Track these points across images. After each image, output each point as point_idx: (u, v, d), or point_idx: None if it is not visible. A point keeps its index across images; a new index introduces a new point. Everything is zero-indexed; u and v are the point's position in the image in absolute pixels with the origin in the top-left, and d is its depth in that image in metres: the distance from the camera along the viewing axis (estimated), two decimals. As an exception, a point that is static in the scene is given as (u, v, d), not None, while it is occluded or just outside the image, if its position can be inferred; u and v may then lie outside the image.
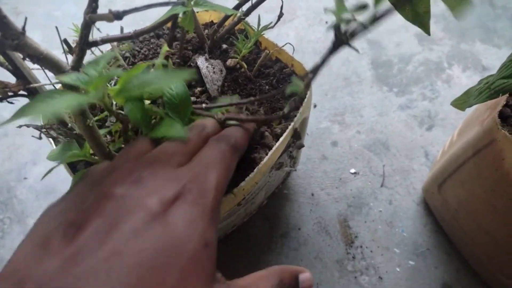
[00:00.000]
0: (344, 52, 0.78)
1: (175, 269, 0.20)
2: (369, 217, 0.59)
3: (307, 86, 0.34)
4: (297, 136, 0.40)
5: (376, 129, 0.68)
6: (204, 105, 0.36)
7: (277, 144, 0.37)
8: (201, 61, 0.41)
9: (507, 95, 0.44)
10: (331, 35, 0.31)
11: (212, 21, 0.49)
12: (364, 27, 0.30)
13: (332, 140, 0.67)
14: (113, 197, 0.22)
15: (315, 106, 0.71)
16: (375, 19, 0.31)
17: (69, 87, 0.24)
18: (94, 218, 0.21)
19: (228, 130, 0.31)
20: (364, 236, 0.58)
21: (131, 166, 0.25)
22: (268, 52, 0.43)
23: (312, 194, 0.61)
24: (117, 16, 0.23)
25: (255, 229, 0.58)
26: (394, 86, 0.74)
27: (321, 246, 0.57)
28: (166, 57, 0.39)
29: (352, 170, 0.64)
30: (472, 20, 0.85)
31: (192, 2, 0.23)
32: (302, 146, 0.48)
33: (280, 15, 0.42)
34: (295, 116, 0.38)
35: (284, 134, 0.37)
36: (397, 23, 0.82)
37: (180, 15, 0.27)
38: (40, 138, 0.39)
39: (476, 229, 0.49)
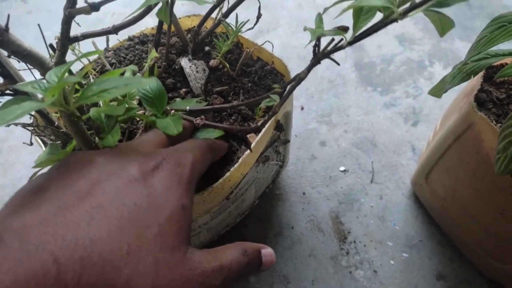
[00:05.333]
0: (328, 56, 0.80)
1: (154, 224, 0.21)
2: (361, 212, 0.60)
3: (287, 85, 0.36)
4: (280, 128, 0.41)
5: (362, 128, 0.70)
6: (187, 107, 0.37)
7: (260, 135, 0.38)
8: (184, 62, 0.43)
9: (481, 80, 0.46)
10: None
11: (194, 26, 0.51)
12: (342, 47, 0.32)
13: (321, 140, 0.68)
14: (95, 162, 0.23)
15: (302, 108, 0.73)
16: (355, 40, 0.33)
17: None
18: (77, 179, 0.22)
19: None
20: (357, 231, 0.58)
21: (113, 147, 0.27)
22: (248, 50, 0.44)
23: (304, 193, 0.62)
24: (94, 7, 0.24)
25: (248, 230, 0.58)
26: (378, 86, 0.76)
27: (314, 243, 0.57)
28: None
29: (342, 168, 0.65)
30: (451, 21, 0.87)
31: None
32: (288, 141, 0.49)
33: (259, 15, 0.44)
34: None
35: (266, 125, 0.38)
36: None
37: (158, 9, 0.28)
38: (31, 143, 0.40)
39: (463, 216, 0.50)
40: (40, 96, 0.26)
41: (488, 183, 0.43)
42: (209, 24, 0.46)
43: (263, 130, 0.38)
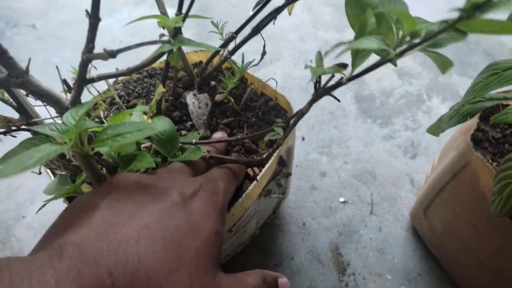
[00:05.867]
0: (329, 88, 0.82)
1: (191, 247, 0.24)
2: (360, 244, 0.61)
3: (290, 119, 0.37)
4: (282, 163, 0.43)
5: (362, 159, 0.71)
6: (194, 140, 0.38)
7: (263, 170, 0.39)
8: (189, 98, 0.44)
9: (477, 120, 0.47)
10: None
11: (201, 61, 0.53)
12: (342, 83, 0.34)
13: (321, 171, 0.69)
14: (140, 185, 0.26)
15: (303, 139, 0.74)
16: (354, 76, 0.34)
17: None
18: (125, 200, 0.24)
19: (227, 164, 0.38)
20: (356, 264, 0.58)
21: (151, 171, 0.31)
22: (253, 87, 0.46)
23: (304, 224, 0.63)
24: (111, 54, 0.26)
25: (249, 260, 0.59)
26: (377, 118, 0.77)
27: (314, 274, 0.57)
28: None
29: (341, 199, 0.66)
30: (448, 55, 0.90)
31: (176, 41, 0.27)
32: (290, 174, 0.50)
33: (263, 53, 0.46)
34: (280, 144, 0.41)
35: (270, 161, 0.39)
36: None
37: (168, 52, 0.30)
38: (39, 173, 0.41)
39: (461, 251, 0.51)
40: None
41: (484, 220, 0.44)
42: (215, 59, 0.48)
43: (267, 166, 0.39)
